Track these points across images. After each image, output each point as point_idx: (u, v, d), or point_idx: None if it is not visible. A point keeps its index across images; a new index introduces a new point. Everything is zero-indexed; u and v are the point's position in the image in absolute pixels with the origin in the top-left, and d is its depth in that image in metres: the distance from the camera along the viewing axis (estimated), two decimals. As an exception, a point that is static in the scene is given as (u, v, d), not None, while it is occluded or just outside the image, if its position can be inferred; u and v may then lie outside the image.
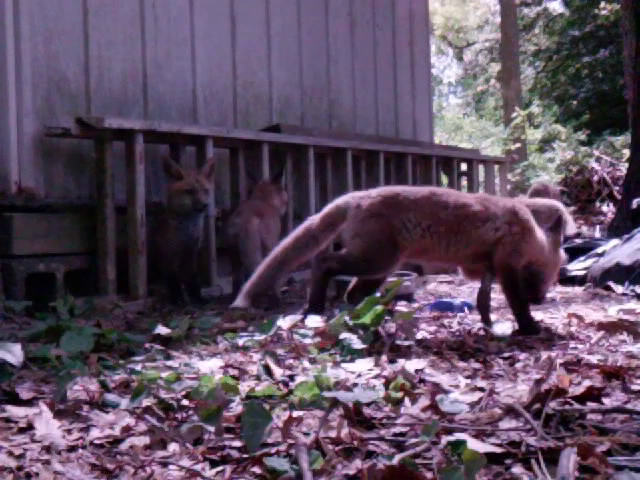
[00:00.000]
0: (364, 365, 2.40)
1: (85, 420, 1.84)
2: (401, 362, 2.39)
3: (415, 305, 3.86)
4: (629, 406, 1.87)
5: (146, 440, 1.67)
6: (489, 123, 22.73)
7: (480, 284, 3.18)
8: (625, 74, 7.55)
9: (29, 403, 1.98)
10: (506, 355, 2.58)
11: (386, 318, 2.84)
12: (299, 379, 2.19)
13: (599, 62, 19.30)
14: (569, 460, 1.41)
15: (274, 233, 4.64)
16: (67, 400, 1.97)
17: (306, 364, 2.45)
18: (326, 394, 1.91)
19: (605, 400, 1.93)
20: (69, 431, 1.75)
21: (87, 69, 4.52)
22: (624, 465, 1.44)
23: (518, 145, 15.86)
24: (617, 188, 10.05)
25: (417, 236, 3.00)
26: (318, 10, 6.78)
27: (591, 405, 1.85)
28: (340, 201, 3.12)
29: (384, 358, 2.46)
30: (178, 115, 5.15)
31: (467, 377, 2.27)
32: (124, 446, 1.65)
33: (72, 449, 1.63)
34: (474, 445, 1.51)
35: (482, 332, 3.01)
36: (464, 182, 8.35)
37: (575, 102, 19.65)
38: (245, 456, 1.56)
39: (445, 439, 1.57)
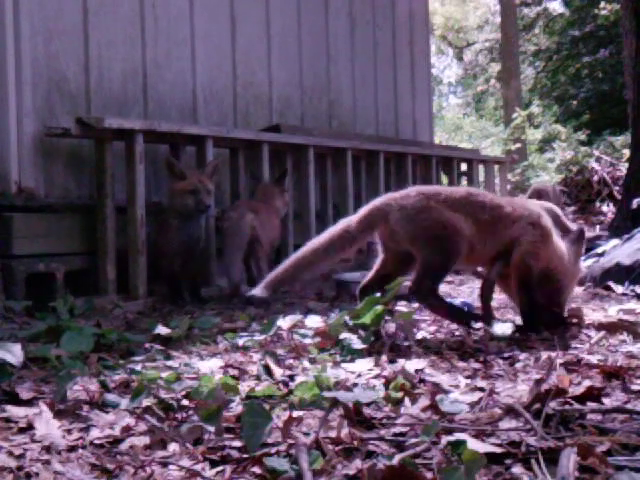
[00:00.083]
0: (364, 365, 2.40)
1: (85, 420, 1.84)
2: (401, 362, 2.39)
3: (415, 305, 3.86)
4: (629, 406, 1.87)
5: (146, 440, 1.67)
6: (489, 123, 22.75)
7: (486, 274, 3.18)
8: (625, 74, 7.55)
9: (29, 403, 1.98)
10: (506, 355, 2.58)
11: (386, 318, 2.84)
12: (299, 379, 2.19)
13: (599, 62, 19.31)
14: (569, 460, 1.41)
15: (270, 231, 4.66)
16: (67, 400, 1.97)
17: (306, 364, 2.45)
18: (326, 394, 1.91)
19: (605, 400, 1.92)
20: (69, 431, 1.75)
21: (87, 69, 4.52)
22: (624, 465, 1.44)
23: (518, 145, 15.86)
24: (617, 188, 10.05)
25: (464, 233, 2.99)
26: (318, 10, 6.78)
27: (591, 405, 1.85)
28: (378, 203, 3.05)
29: (384, 358, 2.46)
30: (178, 115, 5.15)
31: (467, 377, 2.27)
32: (124, 446, 1.65)
33: (72, 449, 1.63)
34: (474, 445, 1.51)
35: (482, 332, 3.01)
36: (464, 182, 8.34)
37: (575, 102, 19.65)
38: (245, 456, 1.56)
39: (445, 439, 1.57)
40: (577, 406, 1.83)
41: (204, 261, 4.65)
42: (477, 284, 3.30)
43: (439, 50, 30.02)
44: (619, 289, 4.16)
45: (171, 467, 1.53)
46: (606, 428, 1.66)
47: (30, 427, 1.76)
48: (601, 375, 2.20)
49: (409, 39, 8.24)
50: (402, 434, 1.69)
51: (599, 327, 2.98)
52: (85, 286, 4.26)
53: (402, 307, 3.43)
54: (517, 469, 1.45)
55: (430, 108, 8.89)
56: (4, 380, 2.12)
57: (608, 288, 4.21)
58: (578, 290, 4.32)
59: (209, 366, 2.42)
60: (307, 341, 2.82)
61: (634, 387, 2.07)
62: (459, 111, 27.10)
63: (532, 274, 3.03)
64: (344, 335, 2.71)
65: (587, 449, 1.47)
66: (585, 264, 4.79)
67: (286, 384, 2.18)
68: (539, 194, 7.95)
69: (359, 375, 2.26)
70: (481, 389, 2.09)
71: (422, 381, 2.20)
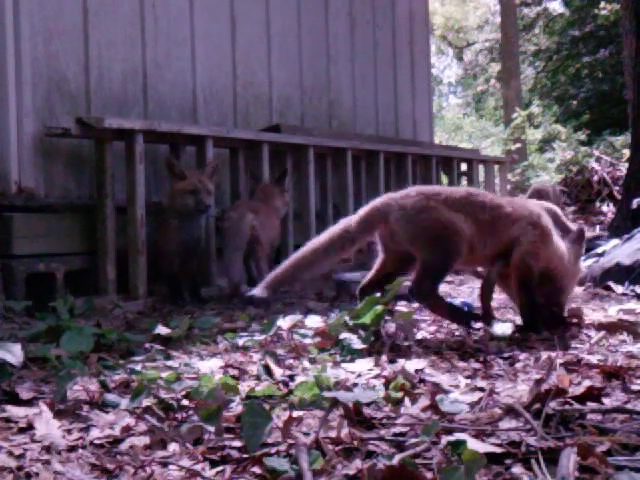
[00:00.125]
0: (364, 365, 2.40)
1: (85, 420, 1.84)
2: (401, 362, 2.39)
3: (415, 305, 3.86)
4: (629, 406, 1.87)
5: (146, 440, 1.67)
6: (489, 123, 22.75)
7: (486, 274, 3.17)
8: (625, 74, 7.54)
9: (29, 403, 1.98)
10: (506, 355, 2.58)
11: (386, 318, 2.84)
12: (299, 379, 2.19)
13: (599, 62, 19.30)
14: (569, 460, 1.41)
15: (270, 231, 4.66)
16: (67, 400, 1.97)
17: (306, 364, 2.45)
18: (326, 394, 1.91)
19: (605, 400, 1.92)
20: (69, 431, 1.75)
21: (87, 69, 4.52)
22: (624, 465, 1.44)
23: (518, 145, 15.86)
24: (617, 188, 10.05)
25: (464, 234, 2.98)
26: (318, 10, 6.78)
27: (591, 405, 1.85)
28: (378, 203, 3.04)
29: (384, 358, 2.46)
30: (178, 115, 5.15)
31: (467, 377, 2.27)
32: (124, 446, 1.65)
33: (72, 449, 1.63)
34: (474, 445, 1.51)
35: (482, 332, 3.01)
36: (464, 182, 8.34)
37: (575, 102, 19.65)
38: (245, 456, 1.56)
39: (445, 439, 1.57)
40: (577, 406, 1.83)
41: (204, 261, 4.65)
42: (477, 284, 3.30)
43: (439, 50, 30.03)
44: (619, 289, 4.16)
45: (171, 467, 1.53)
46: (606, 428, 1.66)
47: (30, 427, 1.76)
48: (601, 375, 2.20)
49: (409, 39, 8.24)
50: (402, 434, 1.69)
51: (599, 327, 2.98)
52: (85, 286, 4.26)
53: (402, 307, 3.44)
54: (517, 469, 1.45)
55: (430, 108, 8.89)
56: (4, 380, 2.12)
57: (608, 288, 4.21)
58: (578, 290, 4.31)
59: (209, 366, 2.42)
60: (307, 341, 2.82)
61: (634, 387, 2.07)
62: (459, 111, 27.10)
63: (532, 274, 3.03)
64: (344, 335, 2.72)
65: (587, 449, 1.47)
66: (585, 264, 4.79)
67: (286, 384, 2.18)
68: (539, 194, 7.95)
69: (359, 375, 2.26)
70: (481, 389, 2.09)
71: (422, 381, 2.20)
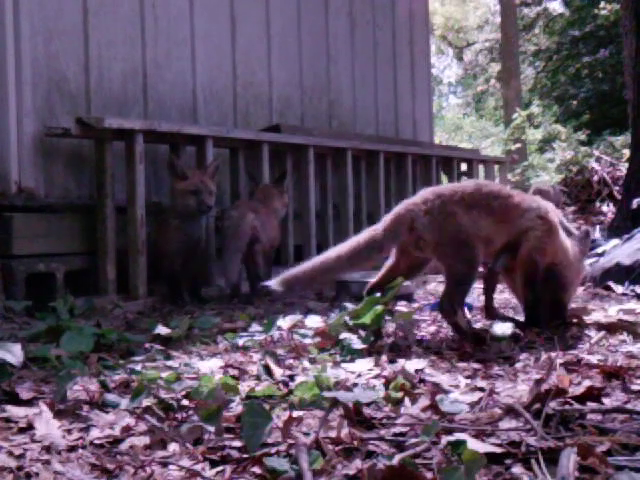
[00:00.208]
0: (364, 365, 2.40)
1: (85, 420, 1.84)
2: (401, 362, 2.39)
3: (415, 305, 3.86)
4: (629, 406, 1.87)
5: (146, 440, 1.67)
6: (489, 123, 22.77)
7: (490, 265, 3.16)
8: (625, 74, 7.54)
9: (29, 403, 1.98)
10: (506, 355, 2.58)
11: (386, 318, 2.84)
12: (299, 379, 2.19)
13: (599, 62, 19.31)
14: (569, 460, 1.41)
15: (270, 232, 4.66)
16: (67, 400, 1.97)
17: (306, 364, 2.45)
18: (326, 394, 1.91)
19: (605, 400, 1.92)
20: (69, 431, 1.75)
21: (87, 69, 4.52)
22: (624, 465, 1.44)
23: (518, 145, 15.86)
24: (617, 188, 10.04)
25: (483, 228, 2.98)
26: (318, 10, 6.78)
27: (591, 405, 1.85)
28: (402, 210, 3.02)
29: (384, 358, 2.47)
30: (178, 115, 5.15)
31: (467, 377, 2.27)
32: (124, 446, 1.65)
33: (72, 449, 1.63)
34: (474, 445, 1.51)
35: (482, 333, 3.01)
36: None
37: (575, 102, 19.65)
38: (245, 456, 1.56)
39: (445, 439, 1.57)
40: (577, 406, 1.83)
41: (204, 261, 4.65)
42: (477, 284, 3.30)
43: (439, 50, 30.03)
44: (619, 289, 4.16)
45: (171, 467, 1.53)
46: (606, 428, 1.66)
47: (30, 427, 1.76)
48: (601, 375, 2.20)
49: (409, 39, 8.24)
50: (402, 434, 1.69)
51: (599, 327, 2.98)
52: (85, 286, 4.26)
53: (402, 307, 3.44)
54: (517, 469, 1.45)
55: (430, 108, 8.88)
56: (4, 380, 2.12)
57: (608, 288, 4.21)
58: (578, 290, 4.32)
59: (209, 366, 2.42)
60: (307, 341, 2.82)
61: (634, 387, 2.07)
62: (459, 111, 27.12)
63: (538, 270, 3.03)
64: (344, 335, 2.72)
65: (587, 449, 1.47)
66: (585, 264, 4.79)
67: (286, 384, 2.18)
68: (541, 193, 7.96)
69: (359, 375, 2.26)
70: (481, 389, 2.09)
71: (422, 381, 2.20)
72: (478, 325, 3.13)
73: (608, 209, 10.02)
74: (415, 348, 2.69)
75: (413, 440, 1.60)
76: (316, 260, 3.02)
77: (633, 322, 3.05)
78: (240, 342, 2.84)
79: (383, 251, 3.02)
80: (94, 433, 1.73)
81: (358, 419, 1.79)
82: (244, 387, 2.13)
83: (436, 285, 4.68)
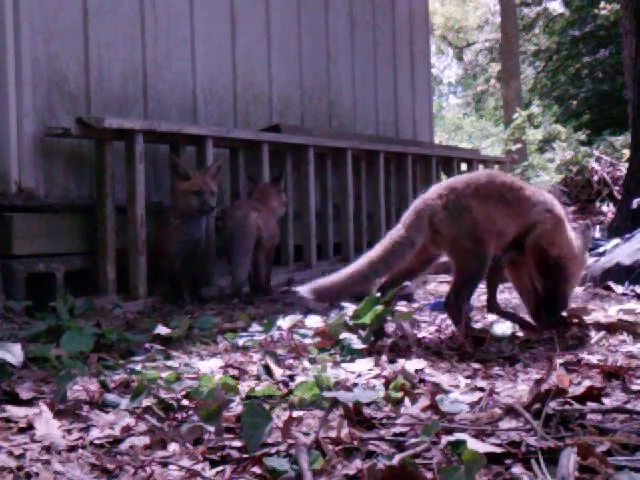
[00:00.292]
0: (364, 365, 2.40)
1: (85, 420, 1.84)
2: (401, 362, 2.39)
3: (415, 305, 3.86)
4: (629, 406, 1.87)
5: (146, 440, 1.67)
6: (489, 123, 22.77)
7: (496, 260, 3.15)
8: (625, 74, 7.54)
9: (29, 403, 1.98)
10: (506, 355, 2.58)
11: (386, 318, 2.84)
12: (299, 379, 2.19)
13: (599, 62, 19.31)
14: (569, 460, 1.41)
15: (271, 231, 4.66)
16: (67, 400, 1.97)
17: (306, 364, 2.45)
18: (326, 394, 1.91)
19: (605, 400, 1.92)
20: (69, 431, 1.75)
21: (87, 69, 4.52)
22: (624, 465, 1.44)
23: (518, 145, 15.86)
24: (617, 188, 10.04)
25: (496, 220, 2.97)
26: (318, 10, 6.78)
27: (591, 405, 1.85)
28: (420, 206, 2.98)
29: (384, 358, 2.46)
30: (178, 115, 5.15)
31: (467, 377, 2.27)
32: (124, 446, 1.65)
33: (72, 449, 1.63)
34: (474, 445, 1.51)
35: (482, 334, 3.01)
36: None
37: (575, 102, 19.65)
38: (245, 456, 1.56)
39: (445, 439, 1.57)
40: (577, 406, 1.83)
41: (204, 261, 4.65)
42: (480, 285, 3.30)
43: (439, 50, 30.04)
44: (619, 289, 4.15)
45: (171, 467, 1.53)
46: (606, 428, 1.66)
47: (30, 427, 1.76)
48: (601, 375, 2.20)
49: (409, 39, 8.24)
50: (402, 434, 1.69)
51: (599, 327, 2.98)
52: (85, 286, 4.26)
53: (402, 307, 3.44)
54: (517, 469, 1.45)
55: (430, 108, 8.89)
56: (4, 380, 2.12)
57: (608, 288, 4.21)
58: (578, 290, 4.32)
59: (209, 366, 2.42)
60: (307, 341, 2.82)
61: (634, 387, 2.07)
62: (459, 111, 27.12)
63: (549, 257, 3.03)
64: (344, 335, 2.72)
65: (587, 449, 1.47)
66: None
67: (286, 384, 2.18)
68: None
69: (359, 375, 2.26)
70: (481, 389, 2.09)
71: (422, 381, 2.20)
72: (478, 325, 3.13)
73: (608, 209, 10.02)
74: (415, 348, 2.69)
75: (413, 440, 1.60)
76: (348, 270, 2.93)
77: (633, 322, 3.05)
78: (240, 342, 2.84)
79: (414, 245, 2.94)
80: (94, 433, 1.73)
81: (358, 419, 1.79)
82: (244, 387, 2.13)
83: (436, 285, 4.68)
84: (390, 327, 2.89)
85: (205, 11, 5.41)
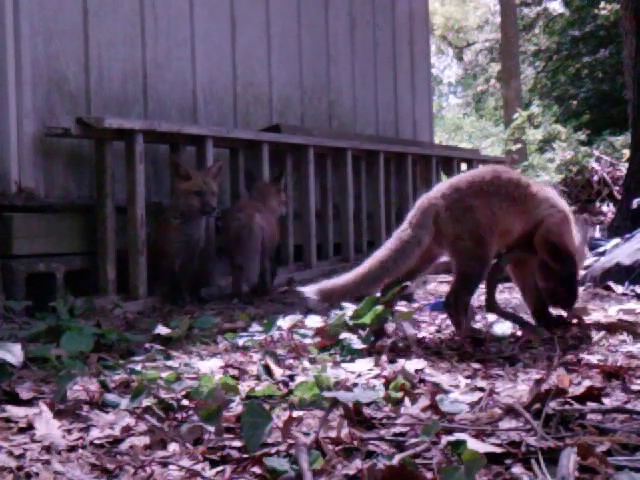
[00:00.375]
0: (364, 365, 2.40)
1: (85, 420, 1.84)
2: (401, 362, 2.39)
3: (415, 305, 3.86)
4: (629, 406, 1.87)
5: (146, 440, 1.67)
6: (489, 123, 22.76)
7: (497, 258, 3.15)
8: (625, 74, 7.53)
9: (29, 403, 1.98)
10: (506, 355, 2.58)
11: (386, 318, 2.84)
12: (299, 379, 2.19)
13: (599, 62, 19.30)
14: (569, 460, 1.41)
15: (271, 231, 4.66)
16: (67, 400, 1.97)
17: (306, 364, 2.45)
18: (326, 394, 1.91)
19: (605, 400, 1.92)
20: (69, 431, 1.75)
21: (87, 69, 4.52)
22: (624, 465, 1.44)
23: (518, 145, 15.86)
24: (617, 188, 10.05)
25: (501, 219, 2.97)
26: (318, 10, 6.78)
27: (591, 405, 1.85)
28: (425, 204, 2.97)
29: (384, 358, 2.46)
30: (178, 115, 5.15)
31: (467, 377, 2.27)
32: (124, 446, 1.65)
33: (72, 449, 1.63)
34: (474, 445, 1.51)
35: (482, 333, 3.01)
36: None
37: (575, 102, 19.64)
38: (245, 456, 1.56)
39: (445, 439, 1.57)
40: (577, 406, 1.83)
41: (204, 261, 4.65)
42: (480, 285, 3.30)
43: (439, 50, 30.04)
44: (619, 289, 4.15)
45: (171, 467, 1.53)
46: (606, 428, 1.66)
47: (30, 427, 1.76)
48: (601, 375, 2.20)
49: (409, 39, 8.24)
50: (402, 434, 1.69)
51: (599, 327, 2.98)
52: (85, 286, 4.26)
53: (402, 307, 3.44)
54: (517, 469, 1.45)
55: (430, 108, 8.89)
56: (4, 380, 2.12)
57: (608, 288, 4.20)
58: (578, 290, 4.31)
59: (209, 366, 2.42)
60: (307, 341, 2.82)
61: (634, 387, 2.07)
62: (459, 111, 27.12)
63: (559, 245, 3.02)
64: (344, 335, 2.71)
65: (587, 449, 1.47)
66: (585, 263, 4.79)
67: (286, 384, 2.18)
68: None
69: (359, 375, 2.26)
70: (481, 389, 2.09)
71: (422, 381, 2.20)
72: (478, 325, 3.13)
73: (608, 209, 10.02)
74: (415, 348, 2.69)
75: (413, 440, 1.60)
76: (358, 271, 2.91)
77: (633, 322, 3.05)
78: (240, 342, 2.84)
79: (422, 244, 2.93)
80: (94, 433, 1.73)
81: (358, 419, 1.79)
82: (244, 387, 2.13)
83: (436, 285, 4.67)
84: (390, 327, 2.89)
85: (205, 11, 5.41)
